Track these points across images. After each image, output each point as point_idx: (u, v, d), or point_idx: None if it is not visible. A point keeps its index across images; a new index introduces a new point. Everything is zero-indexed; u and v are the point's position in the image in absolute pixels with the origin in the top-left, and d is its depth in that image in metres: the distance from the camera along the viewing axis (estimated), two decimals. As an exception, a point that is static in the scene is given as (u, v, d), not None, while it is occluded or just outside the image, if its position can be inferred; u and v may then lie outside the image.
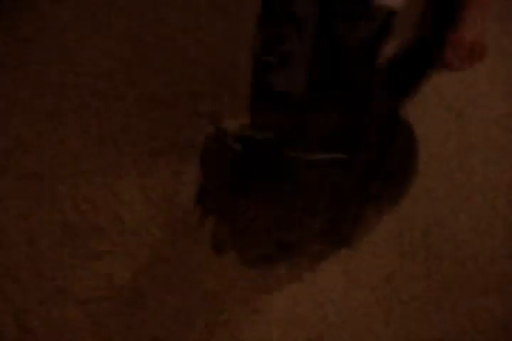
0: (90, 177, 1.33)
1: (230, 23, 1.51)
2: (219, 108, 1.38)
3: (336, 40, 1.00)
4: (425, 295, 1.24)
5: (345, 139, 1.02)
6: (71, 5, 1.49)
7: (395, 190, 1.15)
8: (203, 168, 1.08)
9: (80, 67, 1.41)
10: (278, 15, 0.97)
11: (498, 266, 1.27)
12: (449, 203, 1.31)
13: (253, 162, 0.97)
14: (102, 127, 1.37)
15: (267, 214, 1.04)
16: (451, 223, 1.30)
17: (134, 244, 1.28)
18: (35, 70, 1.40)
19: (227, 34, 1.49)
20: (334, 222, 1.06)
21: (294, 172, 1.00)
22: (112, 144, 1.35)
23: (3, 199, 1.30)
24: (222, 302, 1.22)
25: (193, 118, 1.38)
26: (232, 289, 1.22)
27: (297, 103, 1.00)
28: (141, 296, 1.23)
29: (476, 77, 1.47)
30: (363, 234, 1.20)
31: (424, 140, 1.39)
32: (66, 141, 1.36)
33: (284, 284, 1.23)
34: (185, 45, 1.46)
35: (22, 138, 1.35)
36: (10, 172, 1.33)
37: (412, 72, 1.09)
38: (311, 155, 0.98)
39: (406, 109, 1.19)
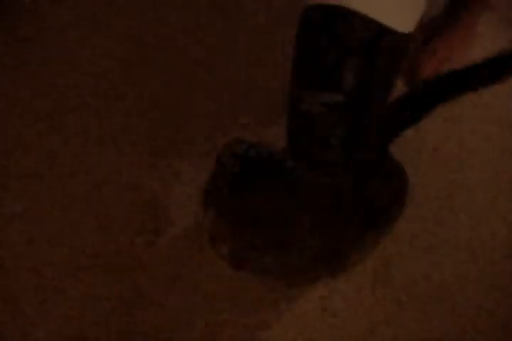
0: (90, 177, 1.33)
1: (230, 23, 1.51)
2: (219, 108, 1.38)
3: (336, 40, 1.01)
4: (425, 295, 1.24)
5: (345, 139, 1.02)
6: (71, 5, 1.49)
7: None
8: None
9: (80, 67, 1.42)
10: None
11: (499, 266, 1.27)
12: (449, 203, 1.31)
13: (252, 169, 0.97)
14: (102, 127, 1.37)
15: (267, 213, 1.04)
16: (452, 223, 1.30)
17: (134, 244, 1.28)
18: (35, 70, 1.40)
19: (227, 34, 1.49)
20: (334, 243, 1.06)
21: (293, 173, 0.99)
22: (112, 144, 1.36)
23: (3, 199, 1.30)
24: (222, 303, 1.22)
25: (193, 118, 1.38)
26: (232, 289, 1.22)
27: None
28: (141, 296, 1.23)
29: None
30: (359, 259, 1.19)
31: (424, 140, 1.39)
32: (66, 141, 1.36)
33: (283, 285, 1.23)
34: (185, 45, 1.46)
35: (22, 138, 1.35)
36: (10, 172, 1.33)
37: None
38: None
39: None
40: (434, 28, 1.32)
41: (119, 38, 1.45)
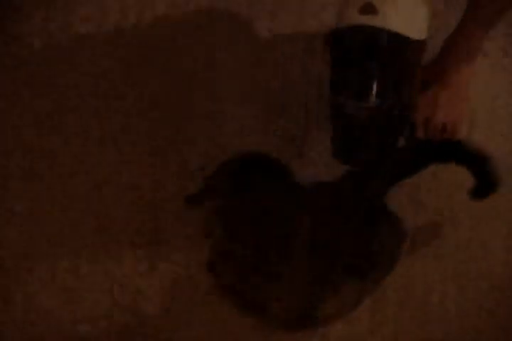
0: (90, 177, 1.33)
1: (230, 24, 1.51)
2: (219, 108, 1.38)
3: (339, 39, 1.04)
4: (425, 295, 1.24)
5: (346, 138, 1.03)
6: (71, 6, 1.49)
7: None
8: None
9: (80, 67, 1.42)
10: None
11: (499, 267, 1.27)
12: (449, 203, 1.31)
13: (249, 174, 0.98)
14: (102, 127, 1.37)
15: (267, 213, 1.03)
16: (451, 223, 1.30)
17: (134, 244, 1.28)
18: (35, 70, 1.40)
19: (228, 34, 1.49)
20: (334, 242, 1.04)
21: (292, 173, 0.99)
22: (112, 144, 1.36)
23: (3, 199, 1.30)
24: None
25: (193, 118, 1.38)
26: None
27: None
28: (141, 296, 1.23)
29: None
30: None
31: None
32: (66, 141, 1.36)
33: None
34: (186, 45, 1.46)
35: (22, 138, 1.35)
36: (10, 172, 1.33)
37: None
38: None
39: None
40: (431, 73, 1.35)
41: (119, 38, 1.44)
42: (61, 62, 1.41)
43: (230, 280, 1.00)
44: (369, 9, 1.02)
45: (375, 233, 1.04)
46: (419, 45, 1.08)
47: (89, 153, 1.34)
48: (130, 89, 1.40)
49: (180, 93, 1.40)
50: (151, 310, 1.22)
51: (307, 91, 1.34)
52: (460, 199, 1.30)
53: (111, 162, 1.34)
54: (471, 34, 1.25)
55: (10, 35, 1.42)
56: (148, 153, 1.35)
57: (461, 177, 1.30)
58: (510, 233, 1.29)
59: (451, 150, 1.08)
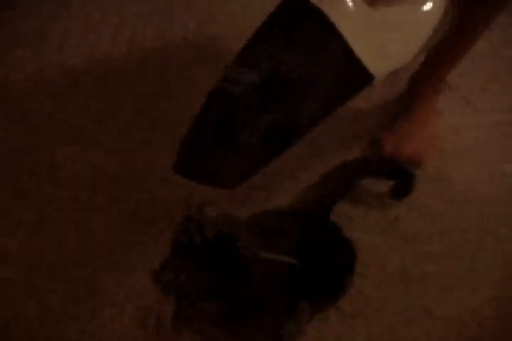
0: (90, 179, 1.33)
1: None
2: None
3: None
4: (426, 294, 1.23)
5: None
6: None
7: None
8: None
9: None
10: None
11: (499, 268, 1.26)
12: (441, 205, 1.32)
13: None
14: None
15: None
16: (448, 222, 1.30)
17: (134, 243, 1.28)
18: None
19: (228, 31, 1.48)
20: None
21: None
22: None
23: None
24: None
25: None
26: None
27: None
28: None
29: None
30: None
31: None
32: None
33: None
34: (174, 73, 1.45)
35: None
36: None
37: None
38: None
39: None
40: (398, 106, 1.37)
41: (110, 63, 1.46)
42: (51, 85, 1.43)
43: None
44: None
45: (327, 252, 1.00)
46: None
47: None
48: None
49: (179, 92, 1.40)
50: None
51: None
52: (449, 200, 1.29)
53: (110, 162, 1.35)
54: (435, 71, 1.27)
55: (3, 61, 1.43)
56: (147, 154, 1.35)
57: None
58: (510, 232, 1.29)
59: (390, 168, 1.24)
